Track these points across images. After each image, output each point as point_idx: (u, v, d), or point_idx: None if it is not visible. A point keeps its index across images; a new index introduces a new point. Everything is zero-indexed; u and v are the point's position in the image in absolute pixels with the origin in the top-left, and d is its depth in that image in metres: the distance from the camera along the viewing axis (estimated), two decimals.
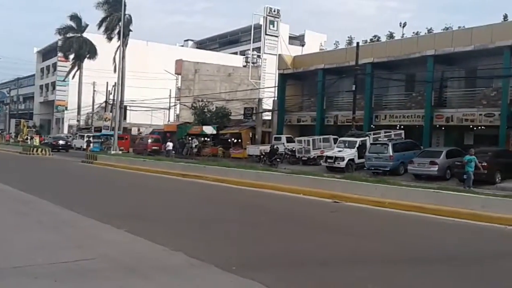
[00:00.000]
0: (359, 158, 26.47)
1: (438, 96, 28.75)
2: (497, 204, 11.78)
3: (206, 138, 41.05)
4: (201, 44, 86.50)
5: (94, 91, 59.44)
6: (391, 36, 52.93)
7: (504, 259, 8.23)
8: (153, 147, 41.46)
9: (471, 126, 27.79)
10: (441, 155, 23.13)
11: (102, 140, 45.75)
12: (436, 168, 22.38)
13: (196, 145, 39.55)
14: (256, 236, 9.34)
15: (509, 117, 24.81)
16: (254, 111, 40.33)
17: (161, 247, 7.82)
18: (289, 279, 6.52)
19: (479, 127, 27.40)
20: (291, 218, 12.05)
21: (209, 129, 40.25)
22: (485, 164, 19.22)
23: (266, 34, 40.49)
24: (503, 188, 19.27)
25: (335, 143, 29.61)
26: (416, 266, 7.52)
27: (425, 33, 45.77)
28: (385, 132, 28.32)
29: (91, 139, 47.28)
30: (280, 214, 12.62)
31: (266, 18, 40.36)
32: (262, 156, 31.52)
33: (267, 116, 41.15)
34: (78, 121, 62.67)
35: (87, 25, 60.82)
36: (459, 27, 42.45)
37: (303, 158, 30.50)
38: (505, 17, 46.06)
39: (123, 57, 44.23)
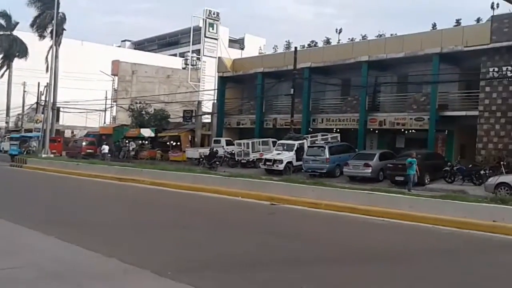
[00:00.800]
0: (297, 160, 26.97)
1: (371, 100, 29.77)
2: (424, 204, 12.39)
3: (144, 141, 40.20)
4: (139, 45, 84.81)
5: (24, 91, 56.76)
6: (327, 41, 54.25)
7: (431, 256, 8.64)
8: (88, 150, 40.12)
9: (402, 130, 29.05)
10: (374, 157, 24.02)
11: (20, 142, 43.60)
12: (370, 170, 23.21)
13: (133, 148, 38.72)
14: (193, 240, 9.26)
15: (438, 121, 26.13)
16: (194, 114, 40.07)
17: (94, 253, 7.58)
18: (226, 282, 6.53)
19: (410, 131, 28.66)
20: (228, 221, 12.08)
21: (147, 132, 39.52)
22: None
23: (206, 37, 40.39)
24: (431, 189, 20.28)
25: (274, 146, 29.97)
26: (349, 265, 7.76)
27: (360, 40, 47.19)
28: (322, 135, 28.96)
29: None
30: (217, 217, 12.60)
31: (206, 20, 40.24)
32: (201, 159, 31.36)
33: (206, 119, 41.02)
34: (6, 123, 59.58)
35: (17, 23, 58.03)
36: (391, 34, 44.22)
37: (242, 161, 30.63)
38: (434, 25, 48.52)
39: (56, 56, 42.63)
